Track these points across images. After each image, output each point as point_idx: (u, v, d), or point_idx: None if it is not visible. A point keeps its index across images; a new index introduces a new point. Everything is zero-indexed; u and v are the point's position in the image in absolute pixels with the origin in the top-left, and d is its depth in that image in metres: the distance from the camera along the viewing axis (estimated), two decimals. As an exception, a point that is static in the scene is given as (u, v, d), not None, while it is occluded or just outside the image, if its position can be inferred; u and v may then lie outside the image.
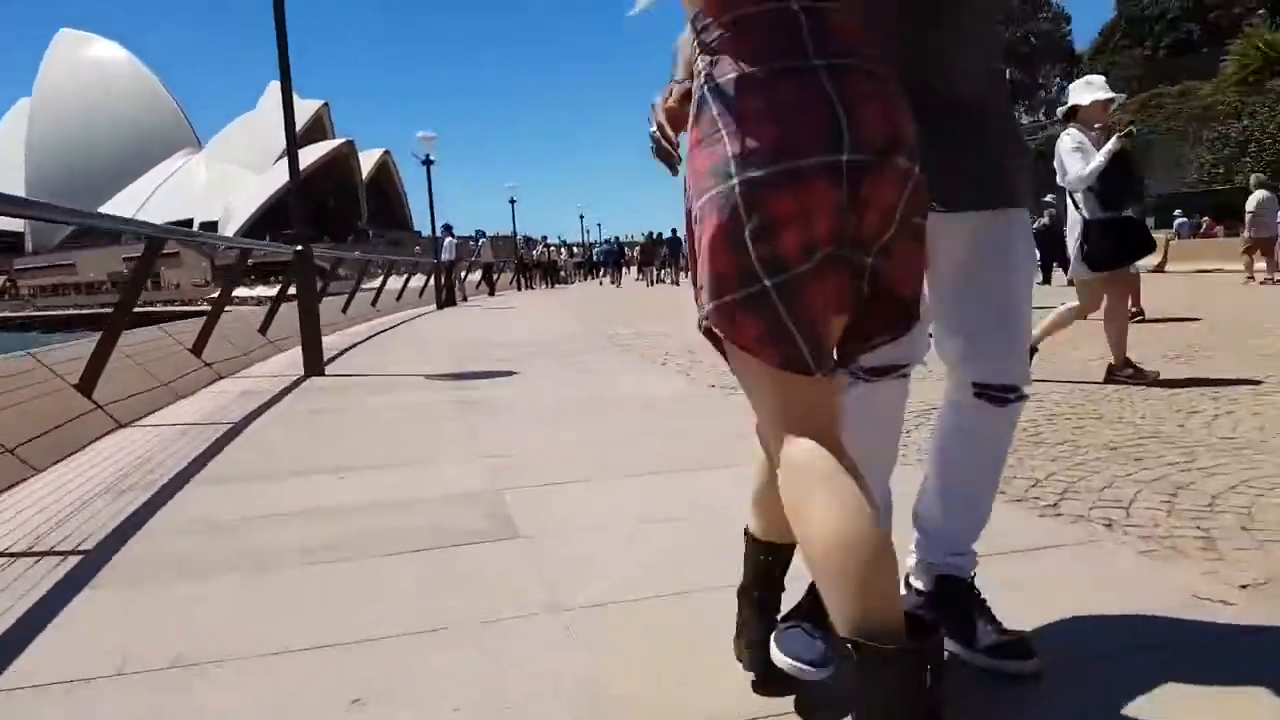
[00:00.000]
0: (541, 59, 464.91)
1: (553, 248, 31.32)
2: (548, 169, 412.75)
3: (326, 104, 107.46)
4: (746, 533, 1.49)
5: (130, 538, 2.55)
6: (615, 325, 10.27)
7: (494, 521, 2.53)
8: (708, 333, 1.24)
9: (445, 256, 18.33)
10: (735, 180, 1.15)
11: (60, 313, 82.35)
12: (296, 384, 6.13)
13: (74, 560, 2.35)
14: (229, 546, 2.43)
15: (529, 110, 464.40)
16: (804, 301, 1.16)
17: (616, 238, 34.00)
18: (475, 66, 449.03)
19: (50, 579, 2.20)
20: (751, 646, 1.46)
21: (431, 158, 16.93)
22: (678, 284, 25.57)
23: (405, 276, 20.12)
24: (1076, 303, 4.77)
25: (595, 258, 37.67)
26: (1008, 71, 1.65)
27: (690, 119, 1.27)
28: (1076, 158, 4.60)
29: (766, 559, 1.44)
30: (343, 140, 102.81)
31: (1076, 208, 4.66)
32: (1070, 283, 5.23)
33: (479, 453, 3.58)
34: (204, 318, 7.39)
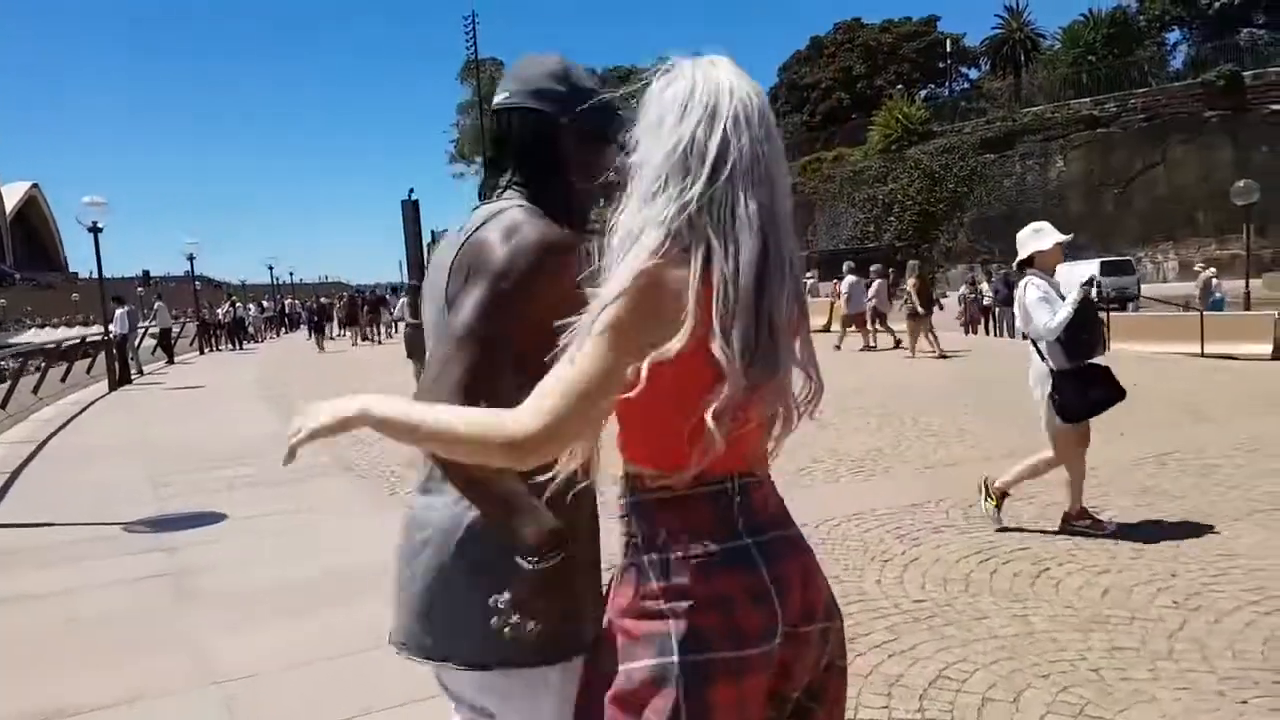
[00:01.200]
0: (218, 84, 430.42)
1: (239, 305, 29.28)
2: (230, 210, 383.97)
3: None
4: None
5: None
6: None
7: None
8: None
9: (117, 330, 16.68)
10: (675, 659, 1.19)
11: None
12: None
13: None
14: None
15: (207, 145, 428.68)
16: None
17: (319, 297, 33.11)
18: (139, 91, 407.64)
19: None
20: None
21: (100, 225, 15.30)
22: (380, 343, 25.13)
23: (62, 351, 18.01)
24: (1050, 453, 4.62)
25: (287, 310, 36.30)
26: None
27: (620, 576, 1.30)
28: (1043, 308, 4.45)
29: None
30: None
31: (1043, 358, 4.54)
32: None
33: (205, 674, 3.43)
34: None
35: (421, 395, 1.31)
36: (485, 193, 1.55)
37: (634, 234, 1.18)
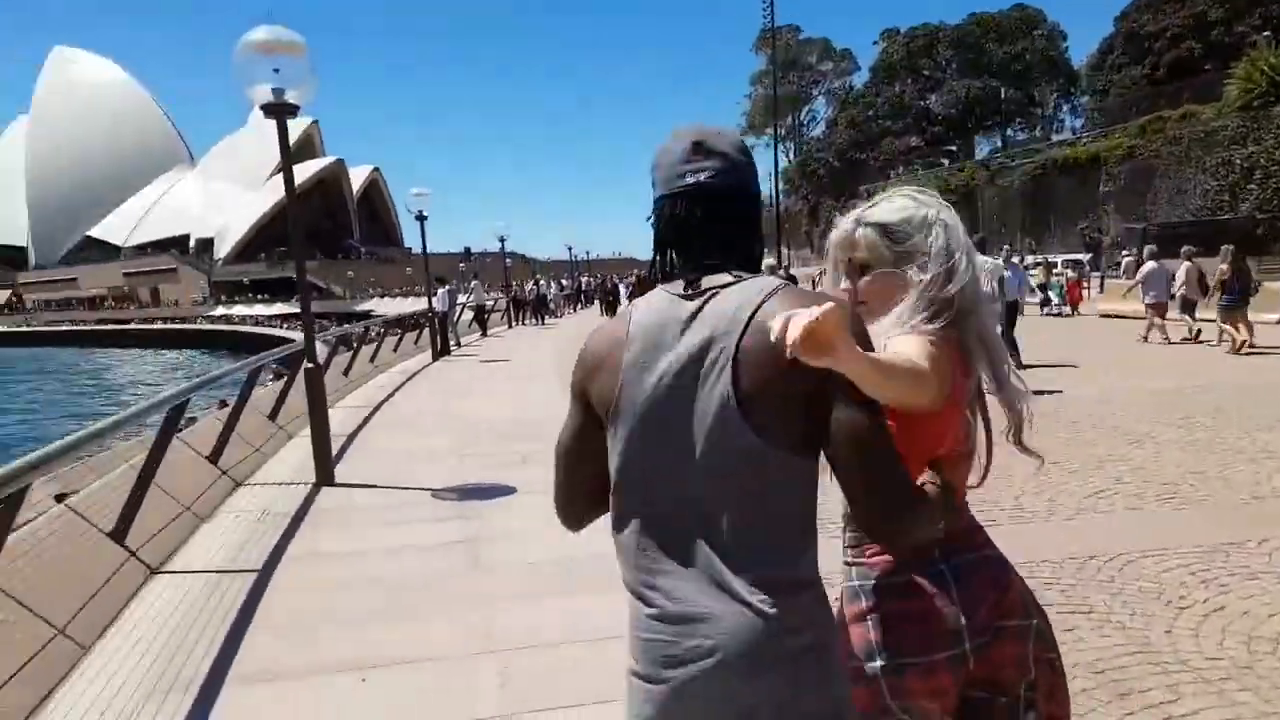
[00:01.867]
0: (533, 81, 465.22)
1: (542, 283, 32.29)
2: (535, 191, 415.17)
3: (316, 122, 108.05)
4: None
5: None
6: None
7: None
8: None
9: (440, 308, 18.79)
10: (878, 664, 1.55)
11: (66, 328, 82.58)
12: (309, 502, 6.46)
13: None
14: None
15: (518, 131, 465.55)
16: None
17: (610, 275, 35.00)
18: (458, 85, 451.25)
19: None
20: None
21: (425, 213, 17.42)
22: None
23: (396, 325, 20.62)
24: None
25: (583, 287, 39.10)
26: None
27: (844, 593, 1.65)
28: None
29: None
30: (333, 159, 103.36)
31: None
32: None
33: (489, 643, 3.79)
34: (225, 410, 7.77)
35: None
36: (699, 268, 1.41)
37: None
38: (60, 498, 5.89)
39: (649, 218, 1.48)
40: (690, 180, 1.41)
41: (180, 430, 6.40)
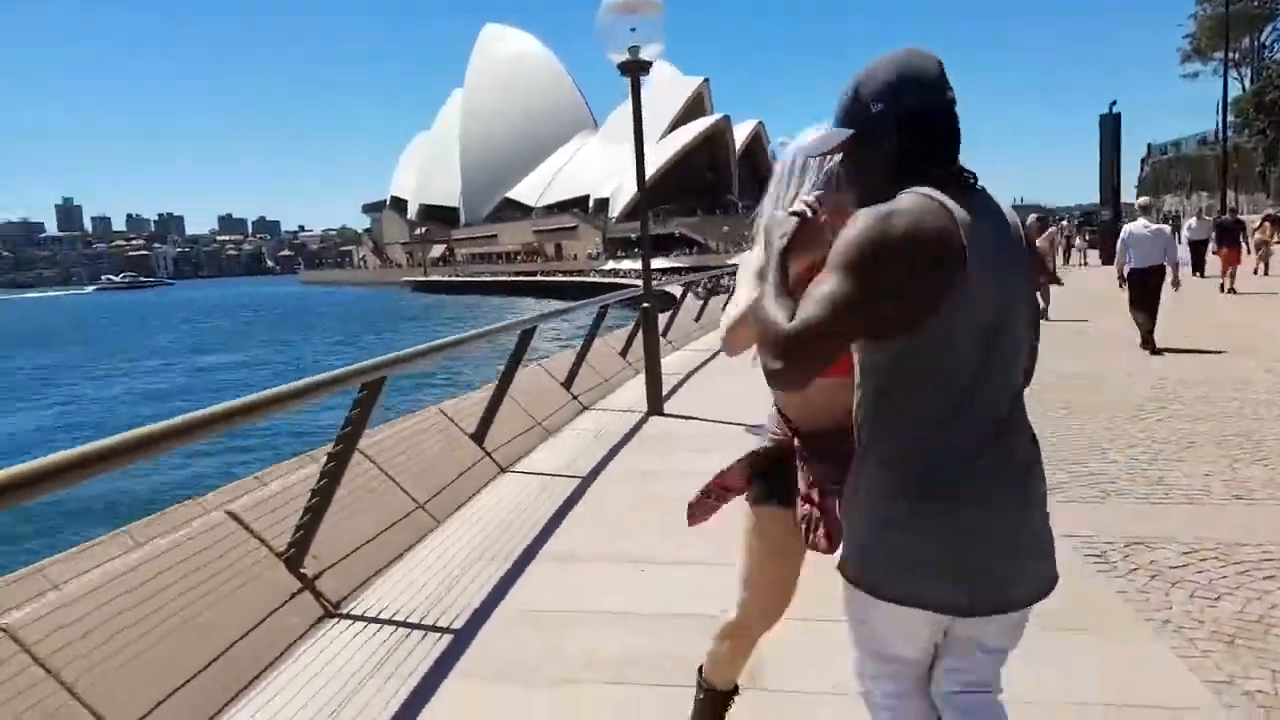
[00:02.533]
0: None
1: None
2: None
3: (706, 80, 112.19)
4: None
5: (486, 620, 3.55)
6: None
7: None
8: None
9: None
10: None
11: (486, 279, 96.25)
12: (638, 427, 7.17)
13: (446, 640, 3.38)
14: (550, 649, 3.30)
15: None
16: None
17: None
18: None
19: (427, 660, 3.22)
20: None
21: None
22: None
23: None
24: None
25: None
26: None
27: None
28: None
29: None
30: (719, 116, 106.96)
31: None
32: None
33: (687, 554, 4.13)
34: (576, 348, 8.81)
35: None
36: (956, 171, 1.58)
37: None
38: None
39: (878, 119, 1.56)
40: (950, 95, 1.56)
41: (538, 360, 7.40)
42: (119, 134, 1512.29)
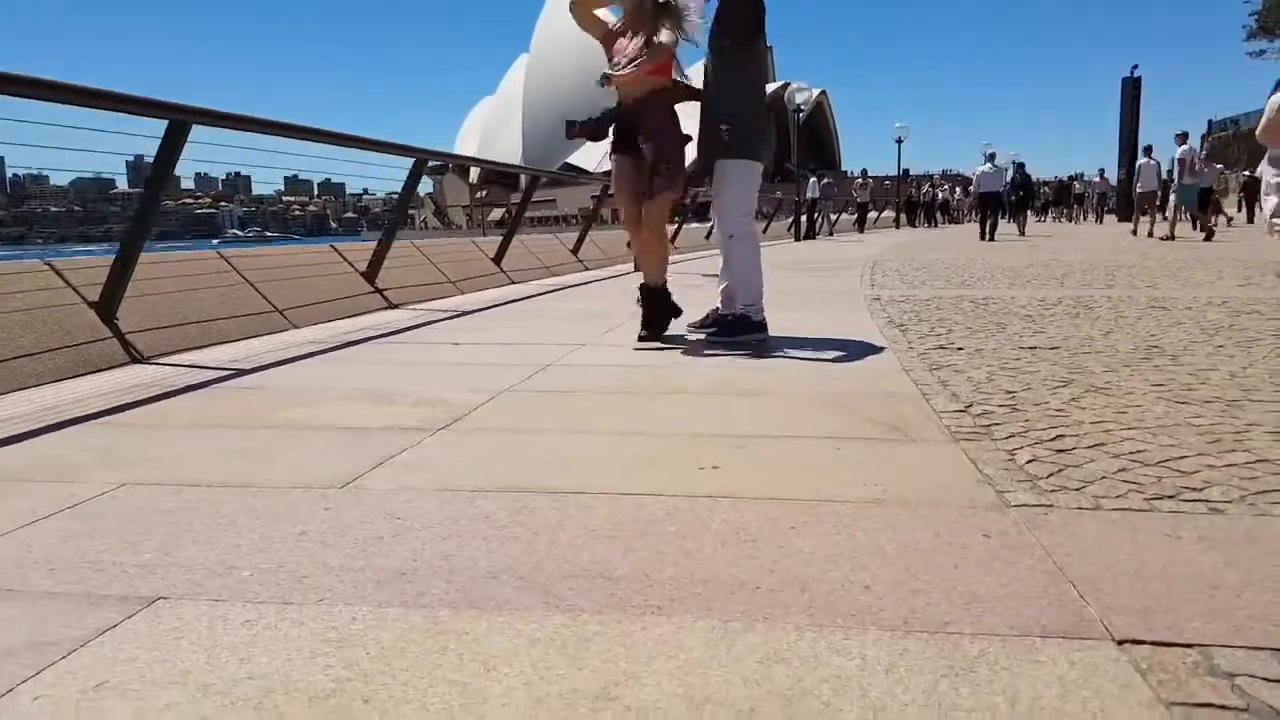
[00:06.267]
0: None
1: (938, 188, 30.10)
2: (945, 104, 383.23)
3: (770, 48, 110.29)
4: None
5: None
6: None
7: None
8: None
9: (809, 195, 19.34)
10: None
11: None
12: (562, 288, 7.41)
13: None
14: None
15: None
16: None
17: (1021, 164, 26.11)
18: None
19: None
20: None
21: (803, 108, 17.96)
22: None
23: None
24: None
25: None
26: None
27: None
28: None
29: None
30: (781, 84, 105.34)
31: None
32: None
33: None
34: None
35: None
36: None
37: None
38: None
39: None
40: None
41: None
42: (196, 90, 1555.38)
